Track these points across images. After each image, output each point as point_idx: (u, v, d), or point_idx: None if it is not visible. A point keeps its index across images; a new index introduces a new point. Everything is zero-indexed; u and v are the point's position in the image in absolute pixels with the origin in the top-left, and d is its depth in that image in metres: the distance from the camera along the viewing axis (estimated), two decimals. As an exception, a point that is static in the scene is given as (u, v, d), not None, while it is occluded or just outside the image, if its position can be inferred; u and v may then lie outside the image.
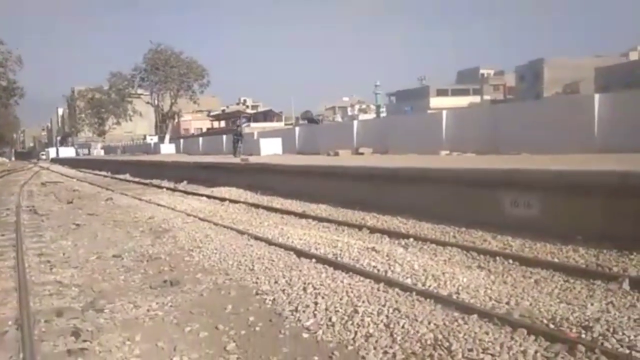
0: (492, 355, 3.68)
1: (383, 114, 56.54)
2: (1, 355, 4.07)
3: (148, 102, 62.53)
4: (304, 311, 5.00)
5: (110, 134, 78.05)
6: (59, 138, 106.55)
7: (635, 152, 10.48)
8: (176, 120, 70.10)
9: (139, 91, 63.05)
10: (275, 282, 5.96)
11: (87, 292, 5.95)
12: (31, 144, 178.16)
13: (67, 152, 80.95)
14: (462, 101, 59.75)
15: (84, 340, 4.40)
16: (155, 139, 65.00)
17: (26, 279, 6.12)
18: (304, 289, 5.57)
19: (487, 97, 68.80)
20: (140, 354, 4.23)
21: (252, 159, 19.95)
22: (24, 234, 9.58)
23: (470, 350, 3.80)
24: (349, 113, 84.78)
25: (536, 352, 3.70)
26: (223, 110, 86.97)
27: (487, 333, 4.07)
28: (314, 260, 6.78)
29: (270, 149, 26.91)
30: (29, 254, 7.85)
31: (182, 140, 53.81)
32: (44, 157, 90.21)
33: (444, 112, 19.50)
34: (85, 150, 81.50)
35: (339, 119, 68.36)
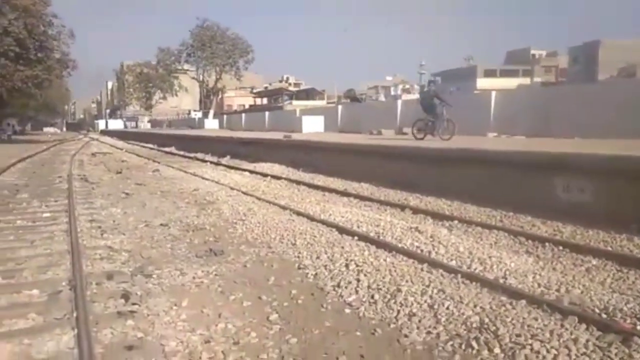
0: (541, 341, 3.57)
1: (427, 95, 55.43)
2: (57, 313, 4.25)
3: (194, 78, 63.50)
4: (346, 287, 5.00)
5: (156, 108, 79.87)
6: (108, 111, 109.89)
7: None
8: (220, 97, 70.92)
9: (185, 67, 64.03)
10: (317, 258, 5.97)
11: (136, 258, 6.14)
12: (81, 116, 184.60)
13: (116, 124, 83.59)
14: (511, 82, 57.66)
15: (133, 303, 4.54)
16: (200, 114, 66.10)
17: (78, 242, 6.36)
18: (346, 266, 5.56)
19: (537, 79, 66.25)
20: (187, 319, 4.33)
21: (295, 136, 19.98)
22: (76, 200, 9.94)
23: (518, 335, 3.70)
24: (392, 93, 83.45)
25: (588, 341, 3.57)
26: (266, 88, 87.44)
27: (535, 319, 3.96)
28: (356, 237, 6.76)
29: (312, 127, 26.89)
30: (81, 220, 8.15)
31: (225, 116, 54.55)
32: (90, 128, 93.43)
33: (493, 93, 18.93)
34: (133, 123, 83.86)
35: (382, 98, 67.46)
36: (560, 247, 6.19)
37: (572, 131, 14.27)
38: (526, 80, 65.99)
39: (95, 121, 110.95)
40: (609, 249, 6.13)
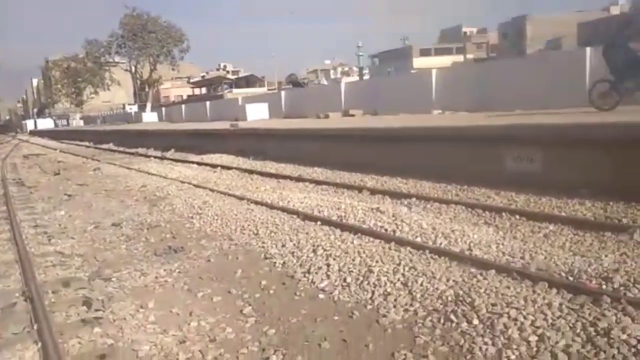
0: (517, 309, 3.66)
1: (366, 76, 56.00)
2: (14, 327, 3.94)
3: (126, 70, 60.80)
4: (316, 273, 4.94)
5: (88, 104, 76.08)
6: (35, 110, 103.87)
7: (628, 104, 10.46)
8: (156, 88, 68.49)
9: (117, 59, 61.17)
10: (283, 246, 5.88)
11: (91, 262, 5.82)
12: (7, 117, 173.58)
13: (46, 123, 79.08)
14: (446, 60, 59.24)
15: (97, 310, 4.30)
16: (135, 107, 63.66)
17: (26, 250, 5.94)
18: (314, 251, 5.50)
19: (470, 56, 68.39)
20: (156, 321, 4.15)
21: (241, 125, 19.61)
22: (15, 206, 9.32)
23: (494, 304, 3.78)
24: (332, 76, 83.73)
25: (561, 304, 3.69)
26: (203, 77, 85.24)
27: (508, 287, 4.05)
28: (319, 222, 6.70)
29: (257, 114, 26.51)
30: (24, 226, 7.64)
31: (164, 108, 52.78)
32: (19, 130, 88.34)
33: (434, 71, 19.26)
34: (64, 122, 79.68)
35: (324, 81, 67.49)
36: (517, 216, 6.40)
37: (511, 104, 14.76)
38: (459, 58, 67.98)
39: (23, 121, 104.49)
40: (563, 214, 6.39)
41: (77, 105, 75.62)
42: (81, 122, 74.35)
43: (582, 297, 3.74)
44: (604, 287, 3.97)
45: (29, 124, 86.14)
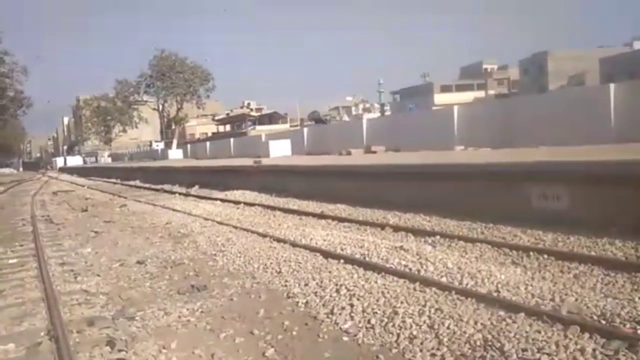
0: (549, 354, 3.54)
1: (387, 112, 56.40)
2: (39, 368, 3.96)
3: (154, 109, 62.52)
4: (340, 314, 4.87)
5: (116, 141, 78.16)
6: (65, 147, 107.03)
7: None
8: (182, 126, 70.06)
9: (145, 98, 63.03)
10: (306, 285, 5.83)
11: (115, 300, 5.85)
12: (38, 154, 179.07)
13: (75, 160, 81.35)
14: (467, 97, 59.39)
15: (120, 350, 4.29)
16: (162, 144, 64.99)
17: (52, 288, 6.02)
18: (337, 291, 5.44)
19: (491, 92, 68.49)
20: (179, 362, 4.12)
21: (264, 161, 19.83)
22: (42, 243, 9.49)
23: (525, 350, 3.66)
24: (353, 112, 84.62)
25: (594, 350, 3.55)
26: (227, 114, 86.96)
27: (538, 332, 3.92)
28: (342, 261, 6.64)
29: (280, 151, 26.77)
30: (51, 263, 7.75)
31: (189, 145, 53.85)
32: (49, 167, 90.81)
33: (455, 108, 19.32)
34: (93, 159, 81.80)
35: (345, 118, 68.19)
36: (545, 256, 6.24)
37: (534, 140, 14.64)
38: (481, 94, 68.09)
39: (53, 159, 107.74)
40: (593, 253, 6.22)
41: (105, 142, 77.70)
42: (109, 159, 76.17)
43: (616, 342, 3.59)
44: (639, 331, 3.81)
45: (59, 161, 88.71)
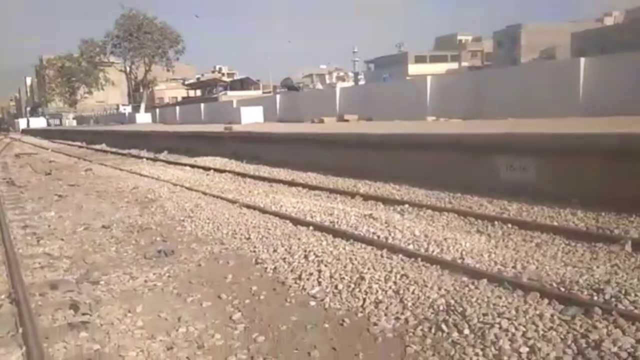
0: (509, 319, 3.64)
1: (361, 82, 56.10)
2: (-1, 331, 3.88)
3: (121, 70, 60.56)
4: (307, 279, 4.91)
5: (81, 104, 75.74)
6: (28, 109, 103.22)
7: (620, 115, 10.54)
8: (150, 89, 68.24)
9: (111, 59, 60.91)
10: (274, 251, 5.84)
11: (80, 264, 5.76)
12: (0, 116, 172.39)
13: (38, 122, 78.58)
14: (440, 68, 59.54)
15: (84, 314, 4.23)
16: (129, 108, 63.28)
17: (14, 251, 5.86)
18: (305, 257, 5.47)
19: (465, 64, 68.78)
20: (144, 326, 4.09)
21: (235, 128, 19.56)
22: (4, 206, 9.21)
23: (485, 314, 3.76)
24: (327, 81, 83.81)
25: (552, 315, 3.67)
26: (198, 79, 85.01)
27: (499, 297, 4.04)
28: (311, 228, 6.67)
29: (252, 117, 26.44)
30: (13, 226, 7.55)
31: (157, 110, 52.59)
32: (11, 128, 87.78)
33: (429, 78, 19.32)
34: (57, 121, 79.22)
35: (319, 86, 67.50)
36: (509, 225, 6.40)
37: (504, 112, 14.83)
38: (454, 65, 68.32)
39: (16, 120, 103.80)
40: (555, 223, 6.40)
41: (70, 104, 75.24)
42: (74, 122, 73.98)
43: (573, 309, 3.72)
44: (595, 298, 3.96)
45: (22, 123, 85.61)
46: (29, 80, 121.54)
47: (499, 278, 4.44)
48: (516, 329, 3.52)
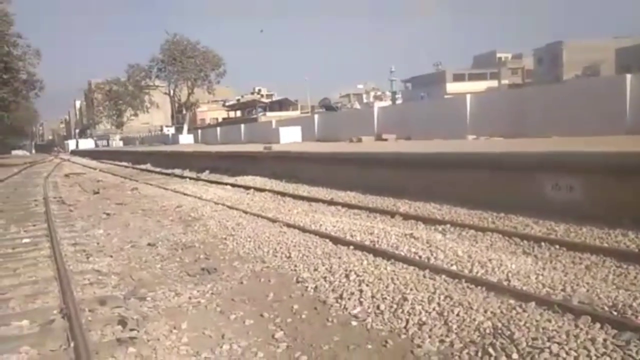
0: (559, 343, 3.52)
1: (399, 101, 56.04)
2: (52, 344, 4.02)
3: (165, 93, 62.75)
4: (349, 299, 4.88)
5: (127, 126, 78.61)
6: (77, 130, 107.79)
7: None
8: (193, 111, 70.23)
9: (156, 82, 63.23)
10: (315, 270, 5.84)
11: (127, 281, 5.92)
12: (50, 137, 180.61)
13: (87, 144, 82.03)
14: (480, 86, 58.93)
15: (131, 329, 4.34)
16: (172, 129, 65.26)
17: (65, 268, 6.09)
18: (346, 276, 5.45)
19: (505, 82, 67.71)
20: (189, 342, 4.16)
21: (274, 147, 19.83)
22: (55, 224, 9.59)
23: (535, 339, 3.64)
24: (364, 100, 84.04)
25: (605, 340, 3.53)
26: (238, 100, 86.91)
27: (549, 321, 3.91)
28: (351, 247, 6.65)
29: (290, 137, 26.80)
30: (64, 244, 7.84)
31: (199, 131, 54.00)
32: (61, 149, 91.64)
33: (468, 97, 19.14)
34: (104, 142, 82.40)
35: (357, 106, 67.81)
36: (557, 246, 6.20)
37: (547, 130, 14.50)
38: (494, 83, 67.42)
39: (65, 141, 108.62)
40: (605, 245, 6.16)
41: (117, 126, 78.21)
42: (121, 143, 76.66)
43: (628, 334, 3.56)
44: (651, 323, 3.78)
45: (71, 144, 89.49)
46: (78, 104, 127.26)
47: (548, 301, 4.30)
48: (567, 353, 3.39)
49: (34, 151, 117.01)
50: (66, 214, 11.39)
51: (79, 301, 4.91)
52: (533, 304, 4.25)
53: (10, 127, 70.31)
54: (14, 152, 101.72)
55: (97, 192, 15.67)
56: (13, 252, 7.51)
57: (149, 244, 7.77)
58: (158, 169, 26.07)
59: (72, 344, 3.88)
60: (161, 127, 79.62)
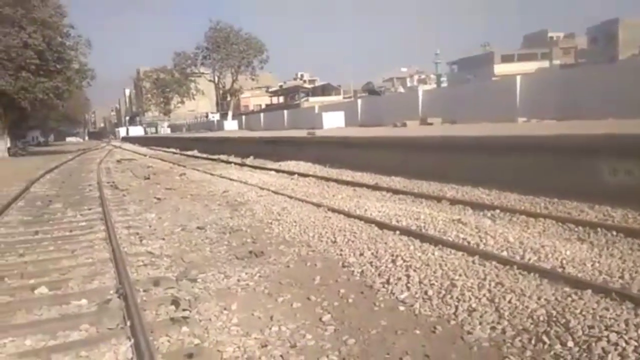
0: (618, 332, 3.38)
1: (444, 84, 54.80)
2: (109, 323, 4.19)
3: (210, 80, 63.77)
4: (396, 284, 4.85)
5: (175, 113, 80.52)
6: (127, 118, 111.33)
7: None
8: (237, 97, 71.15)
9: (201, 70, 64.32)
10: (361, 255, 5.84)
11: (178, 263, 6.09)
12: (102, 124, 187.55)
13: (136, 131, 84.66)
14: (529, 67, 56.64)
15: (184, 309, 4.46)
16: (217, 116, 66.38)
17: (120, 250, 6.32)
18: (393, 262, 5.41)
19: (556, 62, 64.97)
20: (239, 323, 4.24)
21: (317, 133, 19.85)
22: (109, 207, 9.97)
23: (591, 327, 3.52)
24: (408, 84, 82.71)
25: (669, 330, 3.36)
26: (281, 86, 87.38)
27: (606, 309, 3.76)
28: (397, 232, 6.60)
29: (333, 122, 26.75)
30: (118, 227, 8.13)
31: (243, 117, 54.69)
32: (112, 136, 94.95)
33: (518, 78, 18.51)
34: (153, 129, 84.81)
35: (400, 89, 66.85)
36: (614, 232, 5.95)
37: (602, 112, 13.84)
38: (545, 64, 64.76)
39: (116, 129, 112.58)
40: (667, 231, 5.86)
41: (165, 113, 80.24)
42: (168, 130, 78.71)
43: (694, 324, 3.39)
44: None
45: (122, 131, 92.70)
46: (127, 92, 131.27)
47: (606, 288, 4.13)
48: (627, 342, 3.26)
49: (86, 138, 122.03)
50: (119, 198, 11.81)
51: (134, 282, 5.09)
52: (589, 291, 4.11)
53: (64, 115, 73.50)
54: (68, 139, 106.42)
55: (148, 178, 16.17)
56: (70, 235, 7.86)
57: (198, 228, 7.96)
58: (204, 155, 26.62)
59: (128, 323, 4.03)
60: (207, 113, 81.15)
